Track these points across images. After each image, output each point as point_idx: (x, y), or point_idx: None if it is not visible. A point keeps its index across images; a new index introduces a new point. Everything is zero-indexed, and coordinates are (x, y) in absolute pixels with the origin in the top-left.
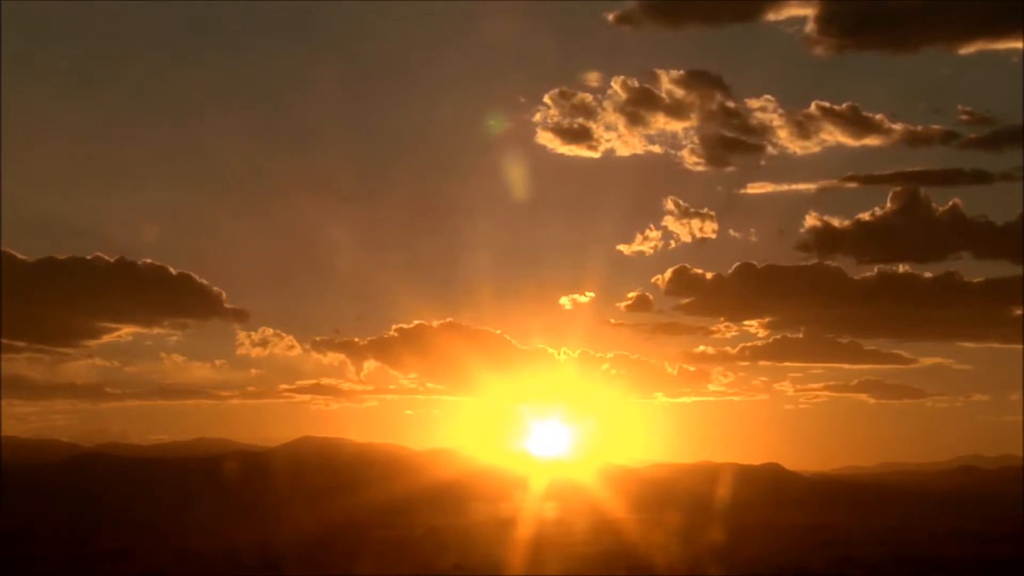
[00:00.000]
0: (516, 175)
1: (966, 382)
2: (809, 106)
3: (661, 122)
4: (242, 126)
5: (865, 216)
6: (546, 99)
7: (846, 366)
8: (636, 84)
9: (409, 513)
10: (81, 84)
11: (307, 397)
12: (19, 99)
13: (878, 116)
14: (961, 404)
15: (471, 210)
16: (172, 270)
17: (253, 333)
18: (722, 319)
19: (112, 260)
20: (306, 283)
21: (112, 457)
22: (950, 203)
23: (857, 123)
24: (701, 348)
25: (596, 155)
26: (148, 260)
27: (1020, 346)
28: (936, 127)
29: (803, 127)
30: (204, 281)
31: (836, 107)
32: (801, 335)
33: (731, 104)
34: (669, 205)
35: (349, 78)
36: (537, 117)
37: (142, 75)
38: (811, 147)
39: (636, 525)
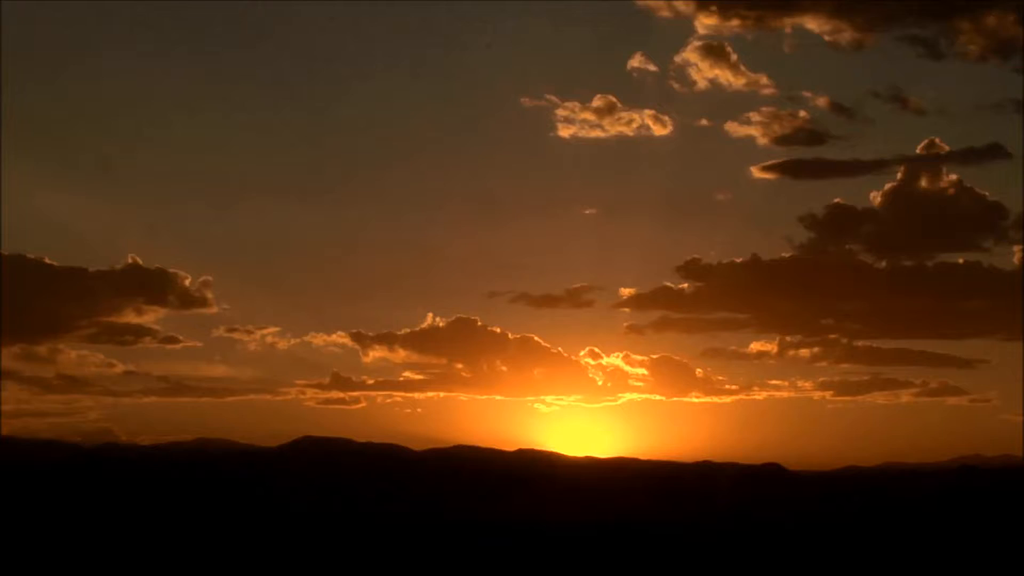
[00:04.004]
0: (536, 166)
1: (973, 380)
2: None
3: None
4: (246, 125)
5: (877, 203)
6: (569, 82)
7: (846, 365)
8: (661, 63)
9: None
10: (76, 84)
11: (309, 396)
12: (16, 98)
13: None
14: (964, 403)
15: (482, 205)
16: (170, 269)
17: (254, 331)
18: (726, 313)
19: (110, 259)
20: (309, 281)
21: (112, 457)
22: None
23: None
24: (709, 345)
25: (628, 134)
26: (146, 258)
27: (1020, 342)
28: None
29: (846, 106)
30: (202, 279)
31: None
32: (804, 331)
33: (765, 79)
34: (694, 191)
35: (356, 74)
36: (560, 109)
37: (139, 75)
38: (858, 125)
39: (638, 523)
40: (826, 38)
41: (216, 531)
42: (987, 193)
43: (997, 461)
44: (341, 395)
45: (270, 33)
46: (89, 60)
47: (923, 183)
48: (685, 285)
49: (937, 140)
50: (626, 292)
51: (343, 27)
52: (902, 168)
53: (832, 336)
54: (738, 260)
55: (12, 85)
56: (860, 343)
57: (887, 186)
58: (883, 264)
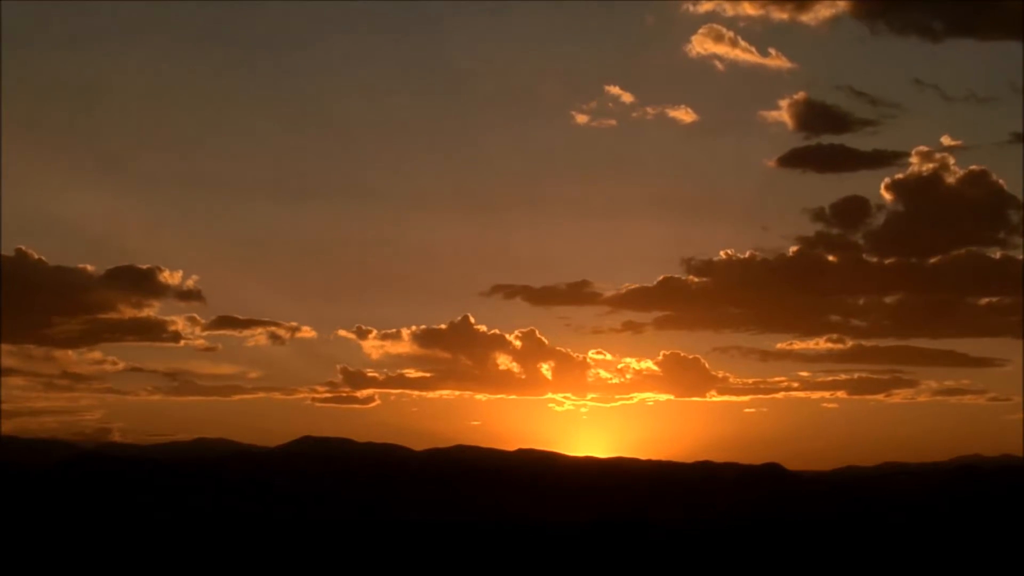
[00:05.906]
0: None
1: (984, 378)
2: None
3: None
4: (247, 125)
5: (887, 197)
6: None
7: (846, 364)
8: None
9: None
10: (75, 85)
11: (309, 396)
12: (15, 98)
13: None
14: (964, 402)
15: (483, 200)
16: (170, 269)
17: (254, 331)
18: (731, 309)
19: (110, 257)
20: (310, 279)
21: (111, 457)
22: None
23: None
24: (714, 343)
25: (638, 126)
26: (147, 257)
27: (1020, 340)
28: None
29: (869, 92)
30: (203, 277)
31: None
32: (810, 329)
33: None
34: (700, 185)
35: (357, 72)
36: (569, 100)
37: (138, 76)
38: (884, 110)
39: (638, 523)
40: (851, 18)
41: (215, 531)
42: (1004, 182)
43: (997, 461)
44: (354, 393)
45: (270, 34)
46: (89, 61)
47: (937, 175)
48: (690, 279)
49: (953, 134)
50: (628, 287)
51: (345, 26)
52: (916, 160)
53: (837, 334)
54: (744, 255)
55: (12, 85)
56: (868, 342)
57: (897, 178)
58: (892, 259)
